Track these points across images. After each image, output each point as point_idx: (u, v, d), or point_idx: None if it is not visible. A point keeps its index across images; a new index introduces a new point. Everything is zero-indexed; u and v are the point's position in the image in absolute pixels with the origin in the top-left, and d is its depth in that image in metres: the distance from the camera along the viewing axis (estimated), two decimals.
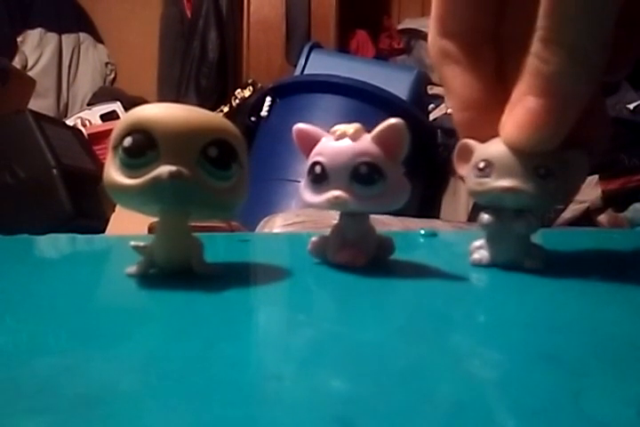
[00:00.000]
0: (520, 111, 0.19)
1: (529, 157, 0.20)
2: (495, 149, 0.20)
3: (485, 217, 0.21)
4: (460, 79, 0.21)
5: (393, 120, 0.19)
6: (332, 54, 1.55)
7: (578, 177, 0.21)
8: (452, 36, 0.21)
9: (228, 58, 1.96)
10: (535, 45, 0.18)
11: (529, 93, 0.19)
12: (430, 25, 0.22)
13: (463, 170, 0.22)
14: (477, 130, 0.21)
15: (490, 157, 0.20)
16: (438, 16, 0.21)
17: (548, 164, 0.20)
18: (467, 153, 0.22)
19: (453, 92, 0.22)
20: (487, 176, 0.20)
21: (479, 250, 0.22)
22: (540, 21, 0.18)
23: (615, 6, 0.17)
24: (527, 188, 0.20)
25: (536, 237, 0.22)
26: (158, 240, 0.19)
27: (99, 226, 1.02)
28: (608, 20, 0.18)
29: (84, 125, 1.65)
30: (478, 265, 0.22)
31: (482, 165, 0.20)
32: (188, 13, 1.98)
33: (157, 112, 0.18)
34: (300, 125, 0.22)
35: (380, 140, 0.20)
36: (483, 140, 0.21)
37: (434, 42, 0.22)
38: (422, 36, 1.90)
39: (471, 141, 0.21)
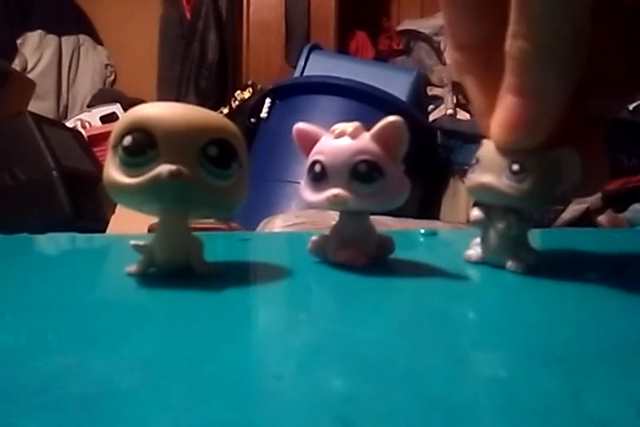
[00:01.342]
0: (500, 110, 0.19)
1: (505, 155, 0.20)
2: (486, 146, 0.21)
3: (474, 213, 0.21)
4: (474, 89, 0.22)
5: (391, 118, 0.19)
6: (331, 55, 1.56)
7: (569, 176, 0.20)
8: (462, 48, 0.21)
9: (227, 59, 1.96)
10: (507, 42, 0.18)
11: (507, 92, 0.19)
12: (447, 41, 0.22)
13: None
14: None
15: (479, 155, 0.21)
16: (448, 31, 0.21)
17: (522, 161, 0.19)
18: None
19: (472, 100, 0.22)
20: (474, 172, 0.21)
21: (475, 246, 0.22)
22: (512, 19, 0.18)
23: (586, 2, 0.17)
24: (498, 184, 0.20)
25: (534, 239, 0.22)
26: (158, 239, 0.19)
27: (98, 228, 1.02)
28: (576, 13, 0.17)
29: (84, 127, 1.66)
30: (469, 261, 0.22)
31: (474, 161, 0.21)
32: (188, 15, 1.99)
33: (157, 111, 0.18)
34: (300, 125, 0.22)
35: (379, 137, 0.20)
36: None
37: (450, 55, 0.22)
38: (421, 37, 1.91)
39: (485, 140, 0.22)
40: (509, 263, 0.20)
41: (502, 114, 0.19)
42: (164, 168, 0.17)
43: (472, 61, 0.21)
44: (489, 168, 0.20)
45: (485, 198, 0.21)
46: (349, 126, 0.20)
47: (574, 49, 0.18)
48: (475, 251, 0.22)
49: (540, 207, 0.21)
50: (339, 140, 0.20)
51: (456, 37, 0.21)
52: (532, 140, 0.19)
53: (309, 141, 0.21)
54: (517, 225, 0.20)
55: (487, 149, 0.20)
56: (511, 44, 0.18)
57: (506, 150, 0.20)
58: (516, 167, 0.19)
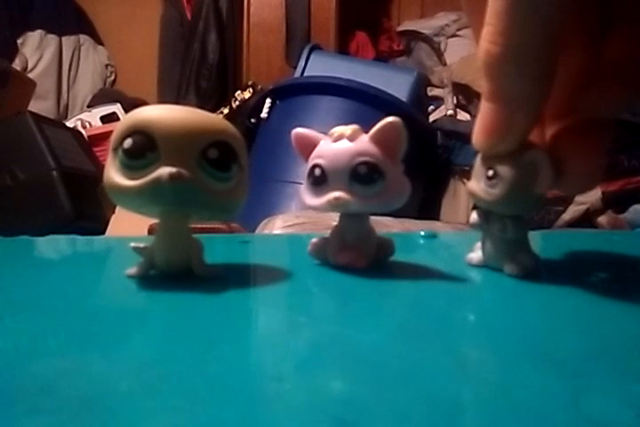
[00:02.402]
0: (478, 117, 0.19)
1: (482, 161, 0.20)
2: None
3: (472, 216, 0.22)
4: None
5: (389, 119, 0.19)
6: (331, 56, 1.56)
7: (545, 179, 0.19)
8: None
9: (227, 60, 1.96)
10: (481, 53, 0.18)
11: (483, 98, 0.19)
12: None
13: None
14: None
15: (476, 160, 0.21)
16: (474, 36, 0.21)
17: (494, 166, 0.19)
18: None
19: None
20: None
21: (477, 250, 0.22)
22: (485, 25, 0.17)
23: (558, 7, 0.16)
24: (477, 190, 0.20)
25: (533, 241, 0.22)
26: (158, 241, 0.19)
27: (98, 228, 1.02)
28: (546, 15, 0.16)
29: (84, 127, 1.65)
30: (469, 264, 0.22)
31: None
32: (188, 15, 1.99)
33: (158, 114, 0.18)
34: (298, 130, 0.22)
35: (378, 139, 0.20)
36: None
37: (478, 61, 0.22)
38: (422, 37, 1.90)
39: None
40: (507, 266, 0.20)
41: (478, 120, 0.19)
42: (165, 171, 0.17)
43: None
44: (474, 174, 0.20)
45: (477, 203, 0.21)
46: (347, 129, 0.20)
47: (546, 51, 0.17)
48: (476, 254, 0.22)
49: (520, 212, 0.20)
50: (337, 143, 0.20)
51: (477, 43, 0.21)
52: (506, 146, 0.19)
53: (308, 146, 0.21)
54: (513, 228, 0.20)
55: (478, 155, 0.21)
56: (480, 47, 0.17)
57: (484, 156, 0.20)
58: (490, 173, 0.19)
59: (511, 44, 0.17)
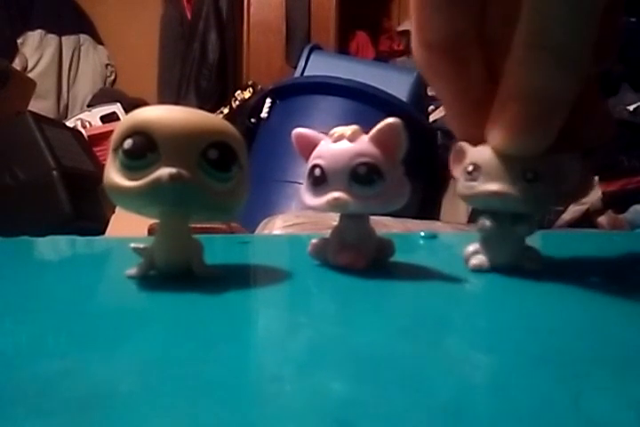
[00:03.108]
0: (506, 117, 0.19)
1: (516, 161, 0.19)
2: (484, 152, 0.20)
3: (486, 222, 0.21)
4: (447, 90, 0.21)
5: (390, 120, 0.19)
6: (332, 56, 1.56)
7: (571, 181, 0.20)
8: (432, 46, 0.20)
9: (228, 59, 1.96)
10: (516, 50, 0.18)
11: (514, 98, 0.18)
12: (412, 37, 0.21)
13: (457, 172, 0.22)
14: (471, 135, 0.21)
15: (478, 161, 0.20)
16: (417, 26, 0.20)
17: (535, 168, 0.19)
18: (460, 155, 0.21)
19: (443, 101, 0.22)
20: (475, 180, 0.20)
21: (476, 255, 0.21)
22: (521, 24, 0.17)
23: (600, 5, 0.17)
24: (513, 192, 0.19)
25: (534, 240, 0.22)
26: (158, 242, 0.19)
27: (98, 228, 1.02)
28: (593, 18, 0.17)
29: (84, 127, 1.66)
30: (478, 271, 0.21)
31: (470, 168, 0.20)
32: (188, 15, 1.99)
33: (158, 114, 0.18)
34: (298, 130, 0.22)
35: (378, 140, 0.20)
36: (478, 144, 0.21)
37: (416, 53, 0.21)
38: None
39: (464, 144, 0.21)
40: (527, 264, 0.21)
41: (509, 121, 0.19)
42: (165, 171, 0.17)
43: (442, 61, 0.20)
44: (496, 176, 0.20)
45: (495, 206, 0.20)
46: (348, 130, 0.20)
47: (588, 53, 0.17)
48: (479, 260, 0.21)
49: (550, 209, 0.21)
50: (337, 143, 0.20)
51: (426, 34, 0.20)
52: (542, 147, 0.19)
53: (308, 146, 0.21)
54: (535, 227, 0.21)
55: (487, 155, 0.20)
56: (524, 53, 0.18)
57: (516, 157, 0.19)
58: (529, 174, 0.19)
59: (566, 51, 0.17)
